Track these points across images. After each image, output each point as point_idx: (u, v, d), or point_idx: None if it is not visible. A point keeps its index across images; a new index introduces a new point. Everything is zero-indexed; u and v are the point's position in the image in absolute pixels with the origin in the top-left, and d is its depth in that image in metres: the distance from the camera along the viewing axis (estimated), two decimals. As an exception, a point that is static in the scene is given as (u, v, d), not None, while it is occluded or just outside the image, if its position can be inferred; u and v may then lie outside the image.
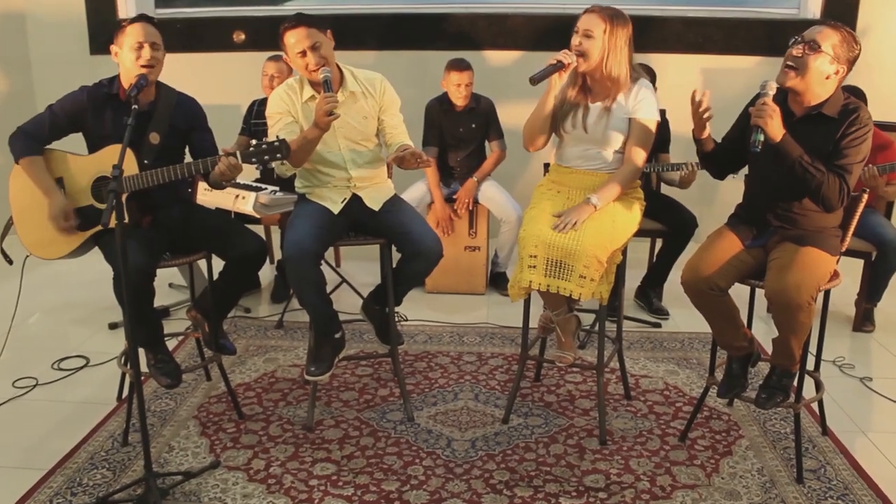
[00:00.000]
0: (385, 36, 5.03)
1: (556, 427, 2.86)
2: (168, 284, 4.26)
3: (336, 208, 2.77)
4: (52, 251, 2.64)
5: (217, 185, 2.70)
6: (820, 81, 2.37)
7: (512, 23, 4.97)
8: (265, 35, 5.15)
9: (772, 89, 2.35)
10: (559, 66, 2.57)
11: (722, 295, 2.46)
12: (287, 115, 2.73)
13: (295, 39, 2.64)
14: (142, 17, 2.64)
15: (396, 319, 3.04)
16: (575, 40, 2.63)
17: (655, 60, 4.88)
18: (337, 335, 2.78)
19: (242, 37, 5.33)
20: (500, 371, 3.33)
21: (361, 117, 2.79)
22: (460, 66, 4.06)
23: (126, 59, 2.59)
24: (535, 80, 2.56)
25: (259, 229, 4.12)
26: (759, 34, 4.96)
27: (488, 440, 2.76)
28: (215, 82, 5.18)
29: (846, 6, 4.78)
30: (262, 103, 4.29)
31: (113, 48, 2.64)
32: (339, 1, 5.27)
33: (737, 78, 4.92)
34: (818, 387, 2.69)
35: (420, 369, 3.33)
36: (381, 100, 2.83)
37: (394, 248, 2.87)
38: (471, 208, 4.19)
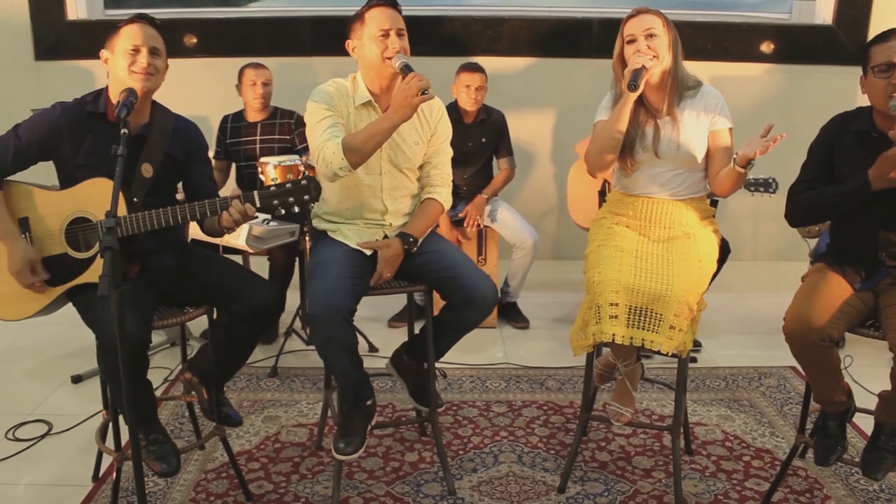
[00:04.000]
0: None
1: (620, 495, 2.47)
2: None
3: (367, 250, 2.33)
4: (14, 311, 2.12)
5: (214, 233, 2.25)
6: None
7: (509, 27, 4.58)
8: (220, 38, 4.65)
9: None
10: (643, 71, 2.21)
11: (832, 347, 2.12)
12: (337, 116, 2.29)
13: (383, 16, 2.27)
14: (142, 17, 2.16)
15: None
16: (640, 45, 2.28)
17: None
18: (368, 402, 2.34)
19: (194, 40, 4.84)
20: (539, 423, 2.92)
21: (413, 142, 2.38)
22: (472, 67, 3.71)
23: (117, 66, 2.11)
24: (637, 86, 2.20)
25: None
26: (772, 40, 4.69)
27: (548, 516, 2.37)
28: (167, 90, 4.65)
29: (859, 12, 4.55)
30: (235, 118, 3.81)
31: (104, 53, 2.16)
32: (314, 3, 4.81)
33: (748, 87, 4.65)
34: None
35: (447, 425, 2.90)
36: (436, 126, 2.42)
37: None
38: (480, 227, 3.79)
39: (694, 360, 3.49)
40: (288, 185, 1.99)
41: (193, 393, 2.44)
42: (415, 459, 2.67)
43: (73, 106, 2.14)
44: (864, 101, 4.98)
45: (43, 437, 2.78)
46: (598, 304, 2.19)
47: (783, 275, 4.52)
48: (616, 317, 2.16)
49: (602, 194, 3.67)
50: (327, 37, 4.62)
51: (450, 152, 2.51)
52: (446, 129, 2.47)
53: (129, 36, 2.12)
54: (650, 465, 2.64)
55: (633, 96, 2.25)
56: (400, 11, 2.33)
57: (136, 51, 2.10)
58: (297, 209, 2.00)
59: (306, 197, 1.99)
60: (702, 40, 4.60)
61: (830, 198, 2.24)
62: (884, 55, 2.14)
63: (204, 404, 2.41)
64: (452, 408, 3.03)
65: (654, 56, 2.26)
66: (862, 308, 2.18)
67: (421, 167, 2.47)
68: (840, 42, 4.60)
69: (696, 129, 2.34)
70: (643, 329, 2.16)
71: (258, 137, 3.72)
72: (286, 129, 3.74)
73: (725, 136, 2.36)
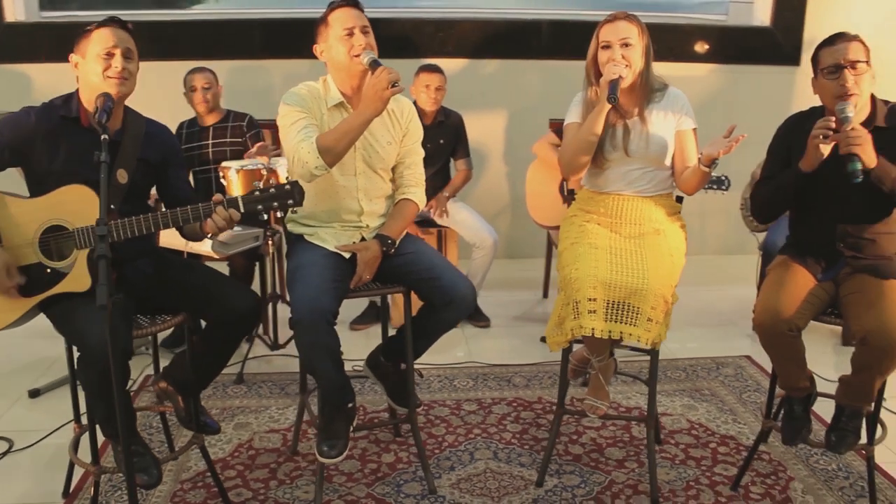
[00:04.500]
0: (322, 43, 4.55)
1: (596, 486, 2.53)
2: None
3: (345, 253, 2.33)
4: None
5: (195, 238, 2.22)
6: (868, 93, 2.26)
7: (461, 29, 4.62)
8: (159, 42, 4.50)
9: (852, 111, 2.15)
10: (619, 82, 2.27)
11: (798, 336, 2.22)
12: (311, 117, 2.29)
13: (346, 16, 2.29)
14: (113, 21, 2.10)
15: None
16: (614, 53, 2.35)
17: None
18: (350, 405, 2.34)
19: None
20: (510, 420, 2.97)
21: (386, 142, 2.39)
22: (431, 67, 3.77)
23: (90, 71, 2.05)
24: (616, 98, 2.26)
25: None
26: (713, 41, 4.86)
27: (529, 510, 2.41)
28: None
29: (794, 15, 4.76)
30: (190, 124, 3.76)
31: (73, 58, 2.10)
32: (262, 5, 4.75)
33: (691, 86, 4.78)
34: (881, 425, 2.50)
35: (420, 424, 2.90)
36: (407, 126, 2.44)
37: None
38: (444, 216, 3.83)
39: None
40: (272, 190, 1.98)
41: (167, 402, 2.40)
42: (392, 460, 2.68)
43: (44, 109, 2.08)
44: (800, 97, 5.23)
45: (5, 454, 2.69)
46: (576, 300, 2.24)
47: (733, 268, 4.67)
48: (594, 312, 2.22)
49: (563, 192, 3.76)
50: (279, 39, 4.59)
51: (421, 153, 2.53)
52: (417, 130, 2.49)
53: (102, 40, 2.07)
54: (622, 456, 2.72)
55: (607, 107, 2.31)
56: (362, 10, 2.35)
57: (110, 55, 2.05)
58: (280, 214, 2.00)
59: (290, 201, 1.98)
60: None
61: (774, 189, 2.38)
62: (832, 58, 2.24)
63: (180, 413, 2.37)
64: (424, 407, 3.05)
65: (627, 65, 2.33)
66: (825, 297, 2.30)
67: (394, 168, 2.49)
68: (778, 43, 4.80)
69: (663, 128, 2.42)
70: (621, 322, 2.23)
71: (210, 141, 3.67)
72: (238, 132, 3.70)
73: (690, 136, 2.46)
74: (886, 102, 2.31)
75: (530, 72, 4.77)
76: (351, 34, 2.27)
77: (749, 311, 3.92)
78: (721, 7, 5.37)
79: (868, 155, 2.11)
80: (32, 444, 2.74)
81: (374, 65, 2.22)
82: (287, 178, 3.21)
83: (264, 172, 3.21)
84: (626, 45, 2.35)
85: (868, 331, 2.08)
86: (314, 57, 4.66)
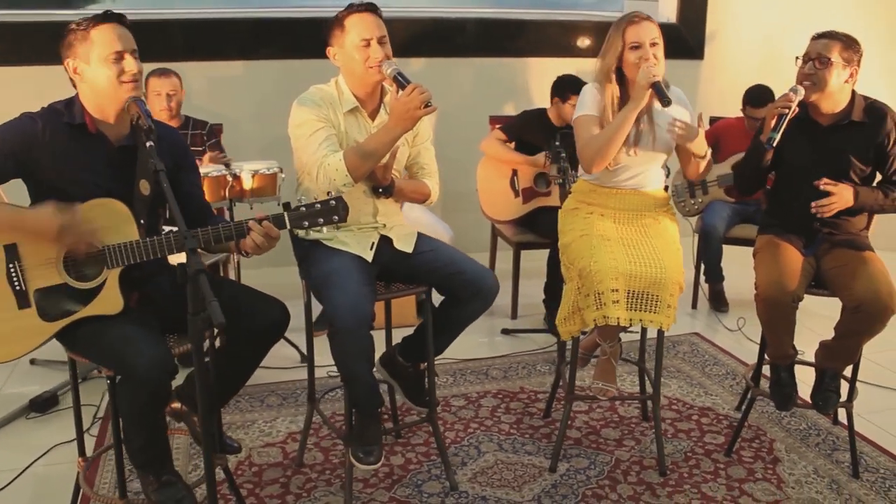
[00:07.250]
0: (249, 44, 4.40)
1: (605, 466, 2.64)
2: (30, 361, 3.33)
3: (369, 255, 2.30)
4: (7, 350, 1.86)
5: (220, 252, 2.13)
6: (839, 89, 2.45)
7: (390, 28, 4.58)
8: (32, 44, 4.15)
9: (800, 95, 2.40)
10: (661, 83, 2.34)
11: (797, 307, 2.42)
12: (329, 126, 2.23)
13: (363, 25, 2.22)
14: (110, 17, 1.91)
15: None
16: (646, 53, 2.39)
17: (533, 64, 4.85)
18: (379, 409, 2.31)
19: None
20: (502, 411, 3.02)
21: (399, 143, 2.36)
22: None
23: (99, 77, 1.89)
24: (670, 101, 2.35)
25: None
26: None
27: (552, 495, 2.47)
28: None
29: (697, 13, 5.09)
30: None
31: (71, 63, 1.91)
32: (175, 5, 4.52)
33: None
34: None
35: (418, 424, 2.90)
36: (418, 127, 2.42)
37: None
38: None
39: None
40: (317, 206, 1.92)
41: (179, 424, 2.28)
42: (401, 462, 2.66)
43: (48, 116, 1.90)
44: (704, 91, 5.57)
45: (-21, 498, 2.46)
46: (598, 292, 2.32)
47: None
48: (618, 302, 2.31)
49: (514, 186, 3.85)
50: (201, 41, 4.39)
51: (432, 149, 2.55)
52: (427, 129, 2.50)
53: (105, 42, 1.89)
54: (618, 436, 2.84)
55: (642, 105, 2.37)
56: (381, 16, 2.30)
57: (120, 57, 1.90)
58: (325, 230, 1.96)
59: (335, 217, 1.94)
60: (565, 38, 4.93)
61: (743, 161, 2.66)
62: (809, 48, 2.45)
63: (198, 435, 2.25)
64: (413, 407, 3.04)
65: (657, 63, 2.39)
66: (811, 271, 2.51)
67: (407, 168, 2.49)
68: (683, 38, 5.11)
69: (662, 127, 2.49)
70: (642, 311, 2.34)
71: (167, 149, 3.48)
72: (199, 141, 3.53)
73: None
74: (866, 98, 2.51)
75: (458, 70, 4.83)
76: (368, 45, 2.23)
77: (687, 291, 4.19)
78: (616, 4, 5.67)
79: (845, 204, 2.40)
80: (5, 486, 2.51)
81: (399, 79, 2.18)
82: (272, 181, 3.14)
83: (229, 179, 3.09)
84: (655, 44, 2.40)
85: (861, 300, 2.30)
86: (242, 58, 4.49)
